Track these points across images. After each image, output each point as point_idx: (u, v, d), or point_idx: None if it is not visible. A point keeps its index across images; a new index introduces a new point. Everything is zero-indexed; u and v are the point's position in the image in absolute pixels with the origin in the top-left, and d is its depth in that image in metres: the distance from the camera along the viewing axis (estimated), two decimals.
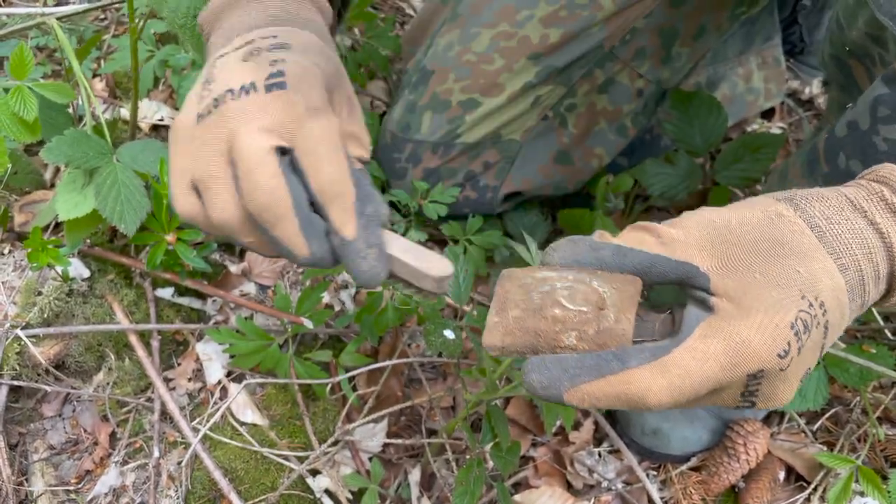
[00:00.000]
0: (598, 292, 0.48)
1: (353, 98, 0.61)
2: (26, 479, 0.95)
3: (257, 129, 0.52)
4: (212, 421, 0.94)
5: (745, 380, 0.46)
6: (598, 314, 0.48)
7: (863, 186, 0.51)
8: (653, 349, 0.46)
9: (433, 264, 0.54)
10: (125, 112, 1.28)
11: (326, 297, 1.12)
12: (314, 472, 0.98)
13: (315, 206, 0.53)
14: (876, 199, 0.50)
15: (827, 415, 1.08)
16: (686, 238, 0.49)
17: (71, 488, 0.95)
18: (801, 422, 1.08)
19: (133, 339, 1.02)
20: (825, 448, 1.06)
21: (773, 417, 1.09)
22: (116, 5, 1.32)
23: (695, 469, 1.05)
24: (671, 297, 0.52)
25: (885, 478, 1.02)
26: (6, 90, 0.88)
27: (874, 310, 1.10)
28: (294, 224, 0.51)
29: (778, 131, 1.41)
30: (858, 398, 1.08)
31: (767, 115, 1.46)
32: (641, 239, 0.49)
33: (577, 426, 1.06)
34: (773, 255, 0.47)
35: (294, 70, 0.54)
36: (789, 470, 1.05)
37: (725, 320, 0.46)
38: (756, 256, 0.47)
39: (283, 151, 0.53)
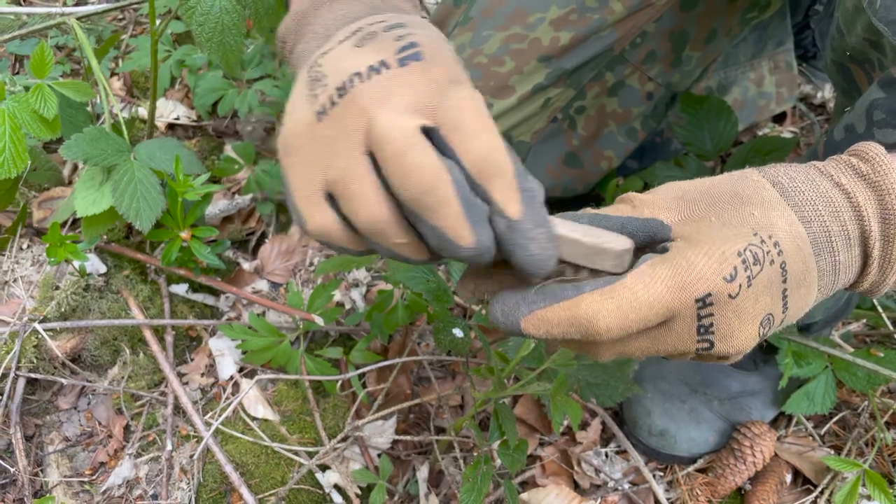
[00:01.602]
0: None
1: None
2: (41, 470, 0.97)
3: (398, 108, 0.45)
4: (224, 415, 0.95)
5: (694, 307, 0.46)
6: (573, 270, 0.49)
7: (834, 159, 0.53)
8: (607, 279, 0.47)
9: (610, 240, 0.48)
10: (142, 111, 1.30)
11: (337, 295, 1.13)
12: (323, 468, 0.99)
13: (471, 188, 0.46)
14: (844, 166, 0.52)
15: (835, 419, 1.08)
16: (654, 199, 0.51)
17: (85, 480, 0.97)
18: (809, 425, 1.08)
19: (147, 334, 1.04)
20: (832, 452, 1.06)
21: (781, 420, 1.09)
22: (135, 6, 1.34)
23: (701, 470, 1.05)
24: None
25: (891, 482, 1.03)
26: (27, 88, 0.91)
27: (884, 315, 1.10)
28: (457, 208, 0.44)
29: (789, 135, 1.41)
30: (866, 402, 1.08)
31: (779, 119, 1.46)
32: (618, 208, 0.52)
33: (584, 426, 1.07)
34: (730, 203, 0.49)
35: (427, 41, 0.49)
36: (796, 473, 1.05)
37: (675, 252, 0.47)
38: (714, 206, 0.49)
39: (425, 133, 0.46)
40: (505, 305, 0.47)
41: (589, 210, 0.53)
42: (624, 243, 0.48)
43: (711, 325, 0.47)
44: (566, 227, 0.47)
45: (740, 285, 0.46)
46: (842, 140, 0.69)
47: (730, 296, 0.46)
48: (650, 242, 0.51)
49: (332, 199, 0.48)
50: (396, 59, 0.48)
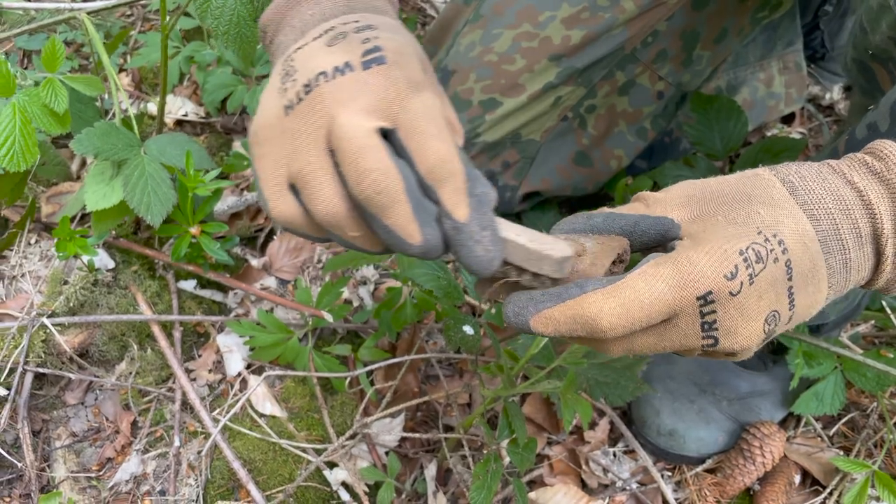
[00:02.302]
0: (582, 245, 0.52)
1: (439, 84, 0.56)
2: (48, 466, 0.97)
3: (358, 110, 0.48)
4: (232, 412, 0.95)
5: (696, 304, 0.47)
6: (576, 259, 0.51)
7: (848, 157, 0.53)
8: (610, 279, 0.48)
9: (551, 246, 0.50)
10: (151, 107, 1.30)
11: (346, 293, 1.13)
12: (331, 465, 0.99)
13: (422, 190, 0.48)
14: (858, 164, 0.52)
15: (843, 420, 1.08)
16: (665, 197, 0.52)
17: (92, 475, 0.97)
18: (818, 426, 1.08)
19: (156, 330, 1.03)
20: (841, 453, 1.05)
21: (790, 421, 1.09)
22: (143, 2, 1.34)
23: (710, 471, 1.05)
24: None
25: None
26: (37, 83, 0.90)
27: (892, 316, 1.10)
28: (407, 209, 0.46)
29: (798, 136, 1.41)
30: (875, 404, 1.08)
31: (787, 120, 1.46)
32: (633, 207, 0.53)
33: (592, 426, 1.07)
34: (738, 202, 0.50)
35: (391, 45, 0.50)
36: (805, 474, 1.05)
37: (679, 251, 0.48)
38: (723, 205, 0.50)
39: (384, 134, 0.48)
40: (516, 306, 0.50)
41: (605, 209, 0.54)
42: (564, 251, 0.50)
43: (715, 322, 0.47)
44: (512, 231, 0.50)
45: (741, 283, 0.46)
46: (864, 138, 0.69)
47: (731, 293, 0.46)
48: (661, 240, 0.51)
49: (294, 189, 0.50)
50: (361, 61, 0.49)
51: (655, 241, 0.52)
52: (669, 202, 0.52)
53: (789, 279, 0.48)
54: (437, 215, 0.48)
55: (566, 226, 0.54)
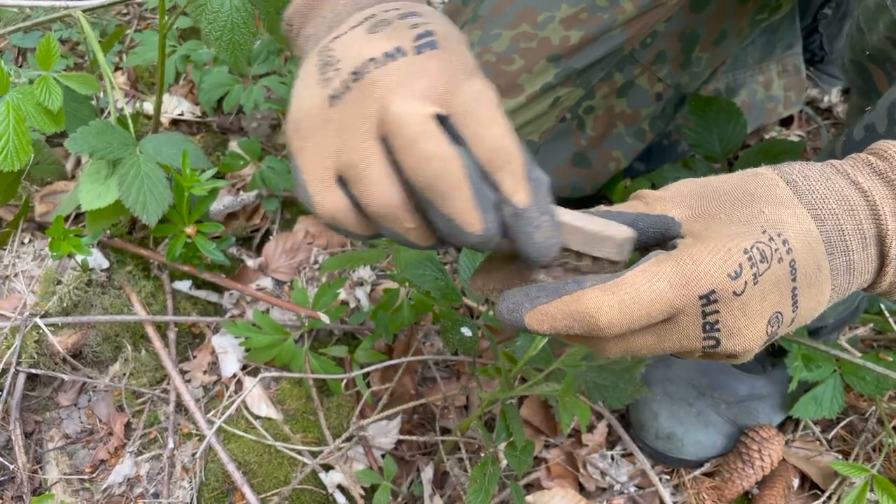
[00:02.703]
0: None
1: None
2: (41, 468, 0.96)
3: (412, 96, 0.46)
4: (226, 414, 0.94)
5: (698, 303, 0.46)
6: (576, 257, 0.49)
7: (851, 157, 0.52)
8: (609, 275, 0.47)
9: (611, 228, 0.49)
10: (147, 106, 1.29)
11: (342, 294, 1.12)
12: (327, 468, 0.98)
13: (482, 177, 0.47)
14: (861, 164, 0.51)
15: (842, 423, 1.08)
16: (665, 195, 0.51)
17: (85, 477, 0.96)
18: (817, 430, 1.07)
19: (150, 331, 1.02)
20: (840, 456, 1.05)
21: (788, 425, 1.08)
22: (139, 0, 1.33)
23: (708, 474, 1.04)
24: None
25: None
26: (31, 81, 0.90)
27: (891, 320, 1.10)
28: (469, 195, 0.45)
29: (796, 139, 1.41)
30: (874, 407, 1.07)
31: (786, 122, 1.45)
32: (632, 204, 0.52)
33: (590, 429, 1.06)
34: (741, 201, 0.49)
35: (442, 30, 0.49)
36: (804, 477, 1.04)
37: (681, 248, 0.47)
38: (725, 204, 0.49)
39: (438, 120, 0.47)
40: (510, 302, 0.48)
41: (602, 207, 0.52)
42: (625, 232, 0.49)
43: (717, 322, 0.46)
44: (570, 215, 0.49)
45: (745, 282, 0.45)
46: (862, 139, 0.68)
47: (734, 293, 0.45)
48: (661, 239, 0.50)
49: (342, 183, 0.49)
50: (413, 46, 0.48)
51: (655, 240, 0.51)
52: (669, 200, 0.51)
53: (793, 280, 0.47)
54: (495, 202, 0.46)
55: None
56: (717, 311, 0.46)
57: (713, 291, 0.45)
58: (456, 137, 0.46)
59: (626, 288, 0.45)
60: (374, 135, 0.47)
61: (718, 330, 0.47)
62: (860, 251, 0.50)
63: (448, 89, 0.47)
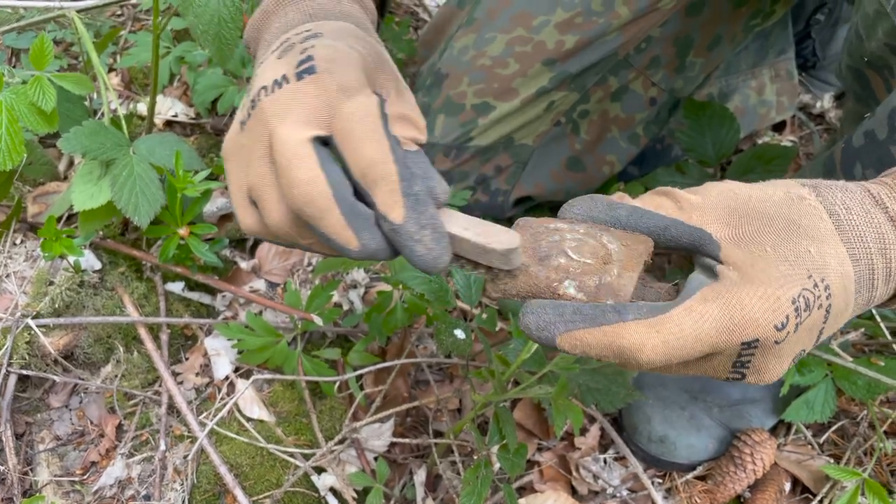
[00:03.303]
0: (607, 247, 0.49)
1: (402, 81, 0.56)
2: (31, 469, 0.95)
3: (292, 121, 0.49)
4: (219, 416, 0.94)
5: (738, 348, 0.45)
6: (602, 268, 0.48)
7: (887, 184, 0.51)
8: (652, 307, 0.46)
9: (497, 237, 0.48)
10: (141, 107, 1.29)
11: (336, 296, 1.12)
12: (319, 470, 0.98)
13: (361, 194, 0.49)
14: None
15: (834, 427, 1.08)
16: (704, 205, 0.49)
17: (76, 479, 0.95)
18: (808, 434, 1.08)
19: (142, 332, 1.02)
20: (832, 460, 1.05)
21: (780, 429, 1.08)
22: (133, 1, 1.33)
23: (700, 478, 1.04)
24: (683, 278, 0.53)
25: (891, 492, 1.02)
26: (25, 81, 0.89)
27: (882, 325, 1.10)
28: (338, 216, 0.47)
29: (789, 144, 1.42)
30: (865, 412, 1.08)
31: (778, 127, 1.46)
32: (660, 203, 0.50)
33: (583, 432, 1.06)
34: (786, 232, 0.47)
35: (323, 53, 0.51)
36: (795, 481, 1.05)
37: (728, 287, 0.45)
38: (769, 232, 0.47)
39: (325, 141, 0.49)
40: (540, 319, 0.46)
41: (627, 198, 0.51)
42: (508, 242, 0.48)
43: (749, 362, 0.47)
44: (460, 224, 0.49)
45: (788, 332, 0.45)
46: (861, 146, 0.69)
47: (776, 342, 0.45)
48: (692, 250, 0.49)
49: (253, 202, 0.53)
50: (294, 73, 0.51)
51: (684, 249, 0.50)
52: (707, 211, 0.48)
53: (824, 322, 0.47)
54: (374, 218, 0.48)
55: (584, 210, 0.50)
56: (752, 355, 0.46)
57: (756, 340, 0.45)
58: (339, 157, 0.49)
59: (670, 327, 0.44)
60: (267, 160, 0.50)
61: (748, 368, 0.47)
62: (883, 287, 0.50)
63: (327, 111, 0.49)
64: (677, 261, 1.20)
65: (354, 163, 0.48)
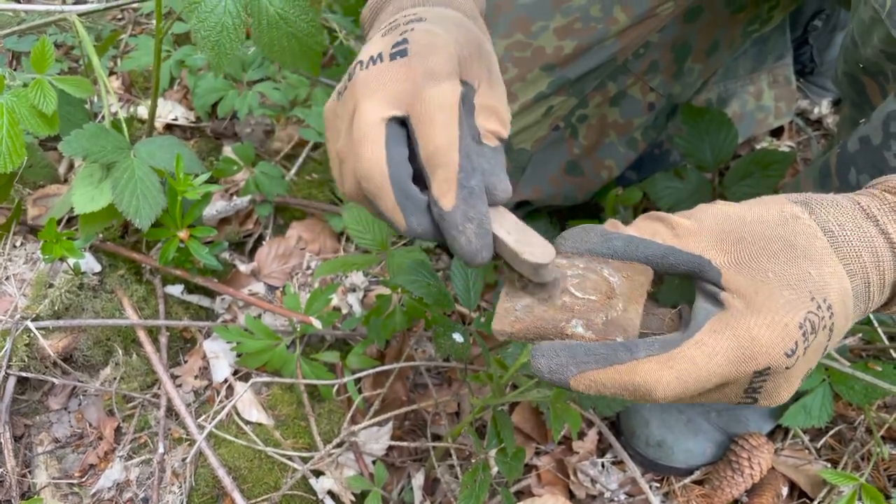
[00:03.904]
0: (609, 281, 0.49)
1: (496, 74, 0.57)
2: (30, 472, 0.95)
3: (376, 100, 0.51)
4: (217, 419, 0.94)
5: (750, 377, 0.46)
6: (607, 303, 0.48)
7: (876, 196, 0.52)
8: (662, 342, 0.46)
9: (533, 249, 0.49)
10: (141, 110, 1.29)
11: (335, 300, 1.13)
12: (317, 473, 0.98)
13: (424, 177, 0.51)
14: (888, 209, 0.51)
15: (831, 432, 1.08)
16: (699, 230, 0.49)
17: (74, 482, 0.95)
18: (806, 438, 1.08)
19: (141, 335, 1.02)
20: (829, 465, 1.05)
21: (778, 433, 1.09)
22: (134, 5, 1.34)
23: (698, 482, 1.04)
24: (679, 296, 0.53)
25: (888, 497, 1.02)
26: (26, 84, 0.90)
27: (879, 330, 1.11)
28: (390, 197, 0.50)
29: (786, 150, 1.42)
30: (863, 417, 1.08)
31: (776, 133, 1.46)
32: (654, 229, 0.50)
33: (581, 436, 1.06)
34: (785, 255, 0.48)
35: (419, 37, 0.53)
36: (792, 486, 1.05)
37: (736, 317, 0.46)
38: (769, 256, 0.48)
39: (402, 122, 0.52)
40: (552, 362, 0.47)
41: (619, 226, 0.51)
42: (542, 257, 0.48)
43: (761, 388, 0.48)
44: (505, 226, 0.50)
45: (797, 356, 0.46)
46: (856, 152, 0.69)
47: (787, 367, 0.46)
48: (690, 276, 0.50)
49: None
50: (389, 52, 0.53)
51: (682, 275, 0.50)
52: (703, 237, 0.49)
53: (828, 340, 0.48)
54: (427, 203, 0.51)
55: (579, 243, 0.51)
56: (764, 381, 0.47)
57: (768, 368, 0.46)
58: (414, 138, 0.51)
59: (683, 363, 0.45)
60: (350, 132, 0.52)
61: (759, 393, 0.48)
62: (878, 296, 0.51)
63: (410, 94, 0.51)
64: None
65: (423, 146, 0.50)
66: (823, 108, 1.49)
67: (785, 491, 1.03)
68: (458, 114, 0.51)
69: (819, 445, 1.08)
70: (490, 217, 0.49)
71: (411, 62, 0.52)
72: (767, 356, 0.45)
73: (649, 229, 0.50)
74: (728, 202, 0.51)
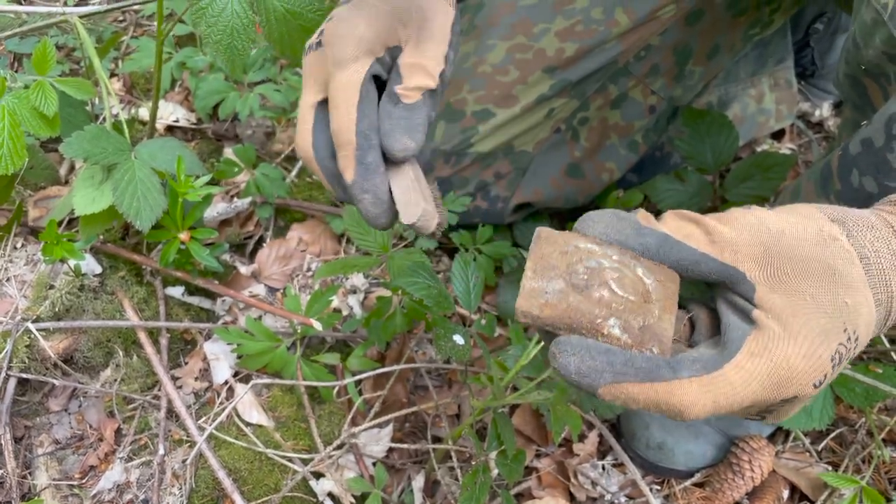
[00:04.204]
0: (644, 283, 0.46)
1: (427, 30, 0.62)
2: (30, 473, 0.95)
3: (308, 86, 0.62)
4: (217, 420, 0.94)
5: (777, 402, 0.46)
6: (644, 307, 0.46)
7: None
8: (703, 362, 0.45)
9: (407, 209, 0.58)
10: (142, 112, 1.29)
11: (335, 301, 1.13)
12: (318, 475, 0.98)
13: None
14: None
15: (832, 435, 1.08)
16: (737, 239, 0.48)
17: (75, 483, 0.95)
18: (807, 441, 1.08)
19: (142, 337, 1.02)
20: (830, 468, 1.05)
21: (778, 436, 1.09)
22: (136, 7, 1.34)
23: (698, 485, 1.04)
24: (693, 293, 0.53)
25: (889, 499, 1.02)
26: (27, 86, 0.90)
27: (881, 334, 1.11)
28: (317, 169, 0.61)
29: (787, 152, 1.42)
30: (864, 419, 1.08)
31: (777, 136, 1.46)
32: (689, 232, 0.48)
33: (581, 438, 1.06)
34: (824, 280, 0.47)
35: (330, 27, 0.61)
36: (793, 489, 1.04)
37: (773, 341, 0.45)
38: (807, 277, 0.47)
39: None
40: (584, 364, 0.44)
41: (651, 219, 0.49)
42: (407, 217, 0.58)
43: (776, 410, 0.48)
44: (401, 186, 0.59)
45: (821, 386, 0.46)
46: (858, 154, 0.69)
47: (809, 395, 0.47)
48: (721, 285, 0.49)
49: None
50: (310, 44, 0.63)
51: (715, 281, 0.49)
52: (741, 248, 0.47)
53: (845, 367, 0.50)
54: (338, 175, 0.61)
55: (610, 230, 0.48)
56: (783, 405, 0.47)
57: (795, 397, 0.46)
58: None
59: (723, 387, 0.44)
60: None
61: (771, 413, 0.48)
62: (892, 322, 0.50)
63: (325, 80, 0.61)
64: None
65: (331, 127, 0.60)
66: (825, 110, 1.49)
67: (786, 494, 1.03)
68: (360, 94, 0.58)
69: (820, 448, 1.08)
70: (385, 184, 0.58)
71: (322, 53, 0.61)
72: (799, 386, 0.45)
73: (682, 230, 0.48)
74: (764, 210, 0.50)
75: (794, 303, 0.46)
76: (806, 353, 0.45)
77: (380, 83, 0.63)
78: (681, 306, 0.51)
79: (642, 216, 0.49)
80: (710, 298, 0.52)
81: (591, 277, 0.45)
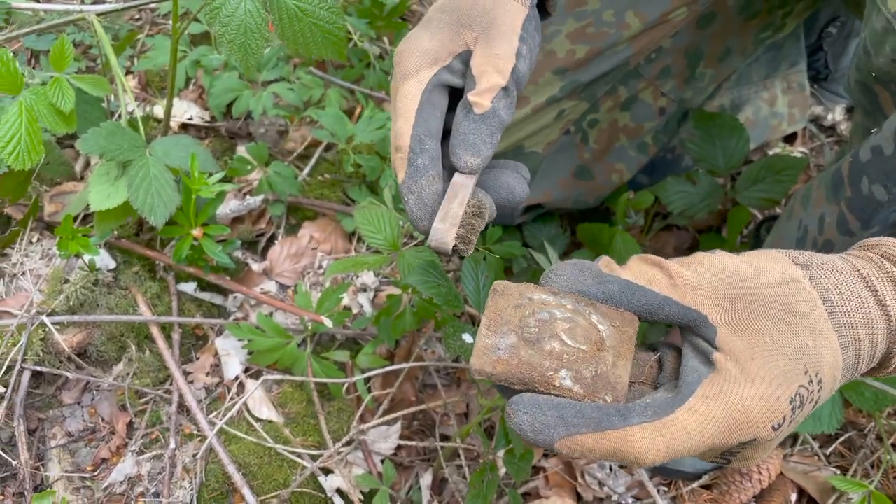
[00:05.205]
0: (598, 330, 0.46)
1: (494, 29, 0.62)
2: (43, 465, 0.96)
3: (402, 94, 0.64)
4: (228, 415, 0.95)
5: (735, 445, 0.46)
6: (597, 355, 0.46)
7: (874, 263, 0.50)
8: (655, 407, 0.45)
9: (435, 234, 0.57)
10: (157, 109, 1.31)
11: (346, 299, 1.13)
12: (326, 471, 0.98)
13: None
14: (887, 278, 0.49)
15: (841, 439, 1.08)
16: (698, 283, 0.48)
17: (86, 475, 0.97)
18: (815, 445, 1.08)
19: (155, 331, 1.03)
20: (838, 472, 1.05)
21: (787, 440, 1.08)
22: (152, 5, 1.35)
23: (706, 487, 1.04)
24: (658, 335, 0.53)
25: None
26: (44, 83, 0.91)
27: None
28: (393, 160, 0.63)
29: (799, 155, 1.42)
30: (873, 424, 1.08)
31: (789, 139, 1.46)
32: (651, 276, 0.49)
33: None
34: (785, 322, 0.47)
35: (399, 47, 0.64)
36: (801, 492, 1.04)
37: (729, 383, 0.45)
38: (767, 320, 0.46)
39: None
40: (537, 420, 0.44)
41: (613, 265, 0.49)
42: (435, 242, 0.56)
43: (739, 453, 0.48)
44: (455, 202, 0.57)
45: (782, 430, 0.46)
46: (868, 161, 0.69)
47: (770, 439, 0.46)
48: (684, 328, 0.49)
49: None
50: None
51: (677, 324, 0.49)
52: (703, 291, 0.47)
53: (811, 411, 0.48)
54: None
55: (572, 282, 0.49)
56: (744, 448, 0.47)
57: (754, 440, 0.46)
58: None
59: (676, 431, 0.44)
60: None
61: (735, 457, 0.48)
62: (865, 367, 0.50)
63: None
64: None
65: (391, 133, 0.62)
66: (837, 114, 1.48)
67: (794, 497, 1.03)
68: (419, 101, 0.60)
69: (828, 452, 1.07)
70: (432, 188, 0.58)
71: (395, 70, 0.63)
72: (756, 429, 0.45)
73: (645, 275, 0.49)
74: (728, 254, 0.50)
75: (753, 345, 0.46)
76: (763, 395, 0.45)
77: (458, 92, 0.63)
78: (653, 348, 0.51)
79: (604, 263, 0.50)
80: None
81: (543, 330, 0.46)
